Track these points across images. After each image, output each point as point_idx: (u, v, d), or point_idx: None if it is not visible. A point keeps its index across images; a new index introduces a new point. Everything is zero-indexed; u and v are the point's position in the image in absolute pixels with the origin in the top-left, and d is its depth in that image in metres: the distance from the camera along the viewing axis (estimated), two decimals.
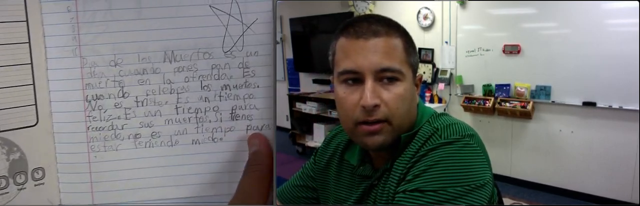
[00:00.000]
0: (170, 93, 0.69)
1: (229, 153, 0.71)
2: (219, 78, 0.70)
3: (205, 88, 0.70)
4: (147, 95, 0.68)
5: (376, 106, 0.67)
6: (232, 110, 0.71)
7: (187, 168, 0.70)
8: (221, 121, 0.71)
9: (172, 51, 0.69)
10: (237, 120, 0.71)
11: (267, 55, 0.70)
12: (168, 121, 0.70)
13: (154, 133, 0.69)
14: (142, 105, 0.69)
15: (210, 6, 0.69)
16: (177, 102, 0.69)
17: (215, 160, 0.71)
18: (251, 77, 0.70)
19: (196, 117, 0.70)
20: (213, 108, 0.71)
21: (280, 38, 4.71)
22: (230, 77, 0.70)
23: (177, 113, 0.69)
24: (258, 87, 0.71)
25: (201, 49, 0.70)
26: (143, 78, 0.68)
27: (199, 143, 0.70)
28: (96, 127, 0.68)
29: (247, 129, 0.71)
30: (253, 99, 0.71)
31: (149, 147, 0.69)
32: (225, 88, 0.70)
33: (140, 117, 0.69)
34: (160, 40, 0.69)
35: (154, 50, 0.69)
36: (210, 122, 0.70)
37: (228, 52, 0.70)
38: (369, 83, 0.67)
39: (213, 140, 0.71)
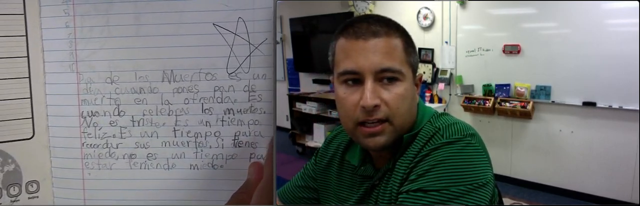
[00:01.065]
0: (168, 115, 0.66)
1: (229, 181, 0.67)
2: (221, 102, 0.67)
3: (207, 111, 0.66)
4: (144, 115, 0.66)
5: (376, 106, 0.67)
6: (235, 136, 0.67)
7: (183, 194, 0.67)
8: (222, 147, 0.67)
9: (172, 70, 0.66)
10: (239, 147, 0.68)
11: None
12: (165, 143, 0.67)
13: (149, 155, 0.67)
14: (138, 125, 0.67)
15: (213, 24, 0.66)
16: (175, 125, 0.66)
17: (214, 187, 0.68)
18: (257, 101, 0.67)
19: (196, 142, 0.67)
20: (214, 133, 0.67)
21: (280, 38, 4.70)
22: (235, 101, 0.67)
23: (175, 136, 0.66)
24: (264, 112, 0.67)
25: (203, 69, 0.66)
26: (140, 97, 0.66)
27: (198, 169, 0.67)
28: (91, 144, 0.67)
29: (250, 158, 0.68)
30: (258, 126, 0.67)
31: (144, 168, 0.67)
32: (229, 113, 0.66)
33: (135, 137, 0.66)
34: (159, 58, 0.66)
35: (152, 69, 0.67)
36: (210, 147, 0.67)
37: (232, 74, 0.67)
38: (369, 84, 0.68)
39: (213, 166, 0.67)
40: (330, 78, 0.76)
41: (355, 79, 0.69)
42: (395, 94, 0.69)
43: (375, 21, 0.70)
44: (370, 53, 0.68)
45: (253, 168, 0.65)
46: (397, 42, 0.70)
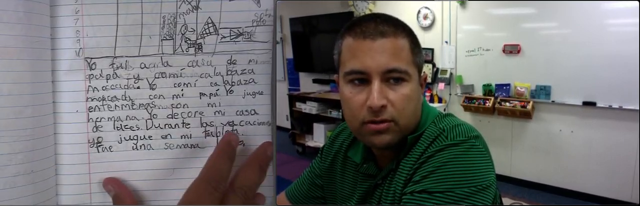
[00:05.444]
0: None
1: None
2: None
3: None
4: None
5: (383, 106, 0.67)
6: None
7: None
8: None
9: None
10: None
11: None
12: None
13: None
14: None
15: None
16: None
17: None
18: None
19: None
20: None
21: (280, 38, 4.70)
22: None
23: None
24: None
25: None
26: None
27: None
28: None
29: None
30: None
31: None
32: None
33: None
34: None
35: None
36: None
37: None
38: (376, 84, 0.67)
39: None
40: (335, 77, 0.76)
41: (362, 79, 0.69)
42: (401, 95, 0.68)
43: (382, 21, 0.70)
44: (377, 53, 0.67)
45: (110, 186, 0.66)
46: (404, 43, 0.70)
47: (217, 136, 0.69)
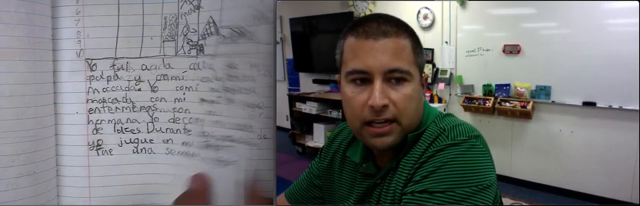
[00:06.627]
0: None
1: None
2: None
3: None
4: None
5: (385, 106, 0.67)
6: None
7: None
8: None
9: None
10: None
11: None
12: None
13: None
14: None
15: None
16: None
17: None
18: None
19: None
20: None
21: (280, 38, 4.70)
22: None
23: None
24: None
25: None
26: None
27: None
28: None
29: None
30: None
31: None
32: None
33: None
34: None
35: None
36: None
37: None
38: (378, 84, 0.67)
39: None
40: (336, 77, 0.76)
41: (364, 79, 0.69)
42: (403, 94, 0.68)
43: (385, 21, 0.70)
44: (379, 53, 0.68)
45: (194, 178, 0.66)
46: (406, 43, 0.70)
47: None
